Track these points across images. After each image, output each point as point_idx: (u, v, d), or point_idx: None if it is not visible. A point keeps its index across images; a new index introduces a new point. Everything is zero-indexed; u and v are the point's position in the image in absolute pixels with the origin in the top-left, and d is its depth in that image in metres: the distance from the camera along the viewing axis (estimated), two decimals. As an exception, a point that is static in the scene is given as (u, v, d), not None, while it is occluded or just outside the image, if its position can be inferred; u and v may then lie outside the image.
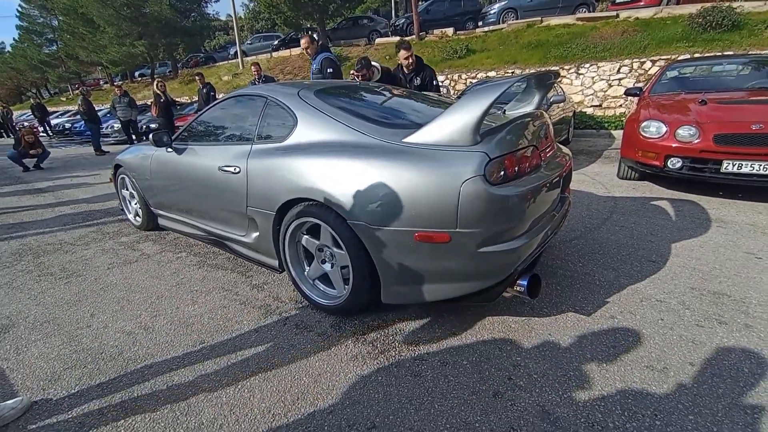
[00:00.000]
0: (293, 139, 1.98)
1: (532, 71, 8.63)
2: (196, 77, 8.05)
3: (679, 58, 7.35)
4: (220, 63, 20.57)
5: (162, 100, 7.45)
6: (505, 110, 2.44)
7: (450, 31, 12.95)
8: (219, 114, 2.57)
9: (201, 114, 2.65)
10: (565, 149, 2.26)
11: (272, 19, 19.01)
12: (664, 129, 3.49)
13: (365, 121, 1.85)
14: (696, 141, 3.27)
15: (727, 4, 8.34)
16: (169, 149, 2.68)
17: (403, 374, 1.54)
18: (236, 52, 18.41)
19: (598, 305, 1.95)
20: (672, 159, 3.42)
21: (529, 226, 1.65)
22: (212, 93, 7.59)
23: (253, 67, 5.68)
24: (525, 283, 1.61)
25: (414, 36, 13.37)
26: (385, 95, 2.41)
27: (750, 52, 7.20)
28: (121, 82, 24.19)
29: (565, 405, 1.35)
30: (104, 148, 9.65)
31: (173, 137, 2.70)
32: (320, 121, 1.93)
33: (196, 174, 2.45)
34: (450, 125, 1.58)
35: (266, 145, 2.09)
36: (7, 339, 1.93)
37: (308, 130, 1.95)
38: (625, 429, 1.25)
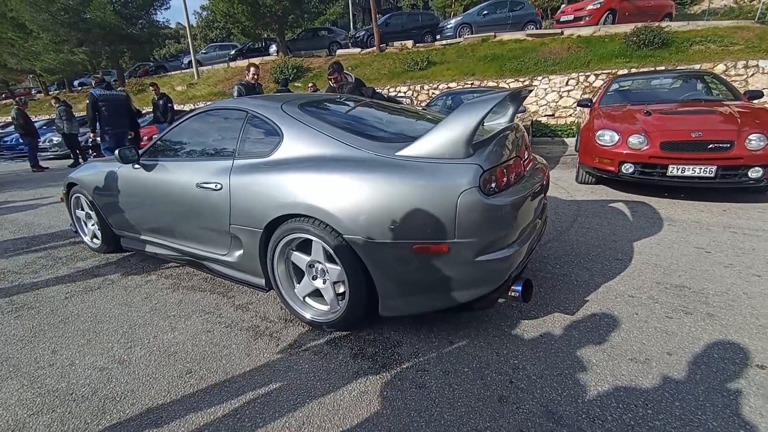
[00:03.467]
0: (280, 154, 1.94)
1: (513, 86, 9.10)
2: (150, 87, 7.60)
3: (619, 73, 8.09)
4: (173, 73, 19.60)
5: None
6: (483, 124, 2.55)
7: (409, 43, 13.32)
8: (194, 128, 2.45)
9: (172, 128, 2.52)
10: (540, 158, 2.39)
11: (228, 28, 18.50)
12: (617, 137, 3.81)
13: (356, 135, 1.85)
14: (645, 148, 3.60)
15: (656, 24, 9.33)
16: (137, 165, 2.50)
17: (407, 387, 1.54)
18: (190, 62, 17.66)
19: (579, 304, 2.07)
20: (625, 164, 3.73)
21: (518, 233, 1.73)
22: (169, 104, 7.21)
23: (252, 68, 4.70)
24: (520, 288, 1.68)
25: (375, 48, 13.59)
26: (368, 109, 2.43)
27: (678, 67, 8.08)
28: (57, 92, 22.26)
29: (566, 403, 1.42)
30: (42, 164, 8.80)
31: (141, 152, 2.53)
32: (308, 136, 1.91)
33: (170, 191, 2.31)
34: (443, 138, 1.62)
35: (250, 161, 2.02)
36: (-49, 387, 1.68)
37: (295, 144, 1.92)
38: (622, 420, 1.33)
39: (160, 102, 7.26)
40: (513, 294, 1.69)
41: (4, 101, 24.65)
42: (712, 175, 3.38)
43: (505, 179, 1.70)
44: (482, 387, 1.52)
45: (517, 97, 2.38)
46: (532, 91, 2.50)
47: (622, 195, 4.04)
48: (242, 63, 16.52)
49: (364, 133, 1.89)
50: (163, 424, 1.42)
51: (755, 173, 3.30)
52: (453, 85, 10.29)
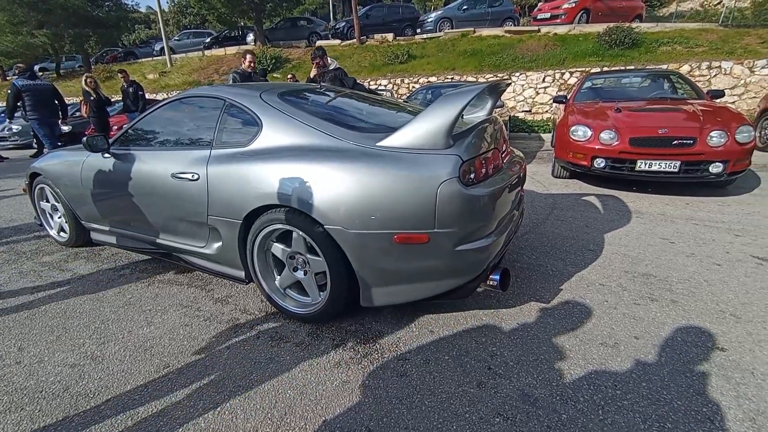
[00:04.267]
0: (259, 144, 1.90)
1: (491, 79, 9.18)
2: (119, 74, 7.24)
3: (592, 71, 8.34)
4: (144, 60, 18.71)
5: (93, 98, 6.50)
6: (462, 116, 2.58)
7: (390, 36, 13.25)
8: (168, 116, 2.36)
9: (144, 116, 2.42)
10: (518, 152, 2.45)
11: (202, 14, 17.81)
12: (589, 133, 3.95)
13: (336, 125, 1.84)
14: (615, 143, 3.75)
15: (627, 24, 9.66)
16: (107, 155, 2.40)
17: (388, 375, 1.56)
18: (162, 49, 16.92)
19: (554, 293, 2.15)
20: (597, 159, 3.88)
21: (497, 224, 1.77)
22: (140, 92, 6.90)
23: (248, 56, 4.53)
24: (497, 277, 1.72)
25: (355, 40, 13.44)
26: (348, 99, 2.41)
27: (647, 67, 8.41)
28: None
29: (541, 386, 1.48)
30: (1, 153, 8.27)
31: (111, 141, 2.42)
32: (288, 125, 1.88)
33: (143, 182, 2.23)
34: (424, 129, 1.64)
35: (228, 150, 1.97)
36: None
37: (275, 134, 1.88)
38: (593, 401, 1.40)
39: (130, 90, 6.92)
40: (491, 283, 1.74)
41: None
42: (677, 170, 3.57)
43: (483, 170, 1.73)
44: (462, 374, 1.56)
45: (495, 90, 2.43)
46: (510, 84, 2.54)
47: (594, 189, 4.19)
48: (218, 52, 16.00)
49: (345, 123, 1.88)
50: (140, 420, 1.38)
51: (716, 168, 3.50)
52: (433, 79, 10.33)
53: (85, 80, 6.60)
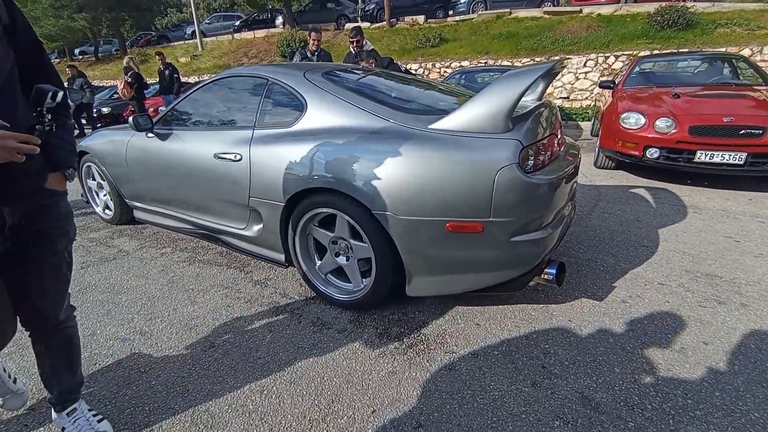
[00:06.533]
0: (303, 125, 1.84)
1: (528, 63, 8.78)
2: (156, 57, 7.37)
3: (641, 54, 7.78)
4: (176, 43, 19.07)
5: (135, 73, 6.60)
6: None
7: (421, 18, 12.84)
8: (209, 96, 2.34)
9: (186, 96, 2.41)
10: (572, 141, 2.29)
11: (232, -3, 17.91)
12: (643, 120, 3.66)
13: (385, 105, 1.75)
14: (673, 132, 3.47)
15: (681, 3, 8.92)
16: (150, 134, 2.41)
17: (436, 368, 1.50)
18: (194, 32, 17.17)
19: (607, 290, 2.01)
20: (650, 149, 3.60)
21: (554, 215, 1.65)
22: (176, 75, 7.01)
23: (313, 33, 4.37)
24: (554, 271, 1.62)
25: (385, 22, 13.13)
26: (391, 80, 2.31)
27: (703, 49, 7.76)
28: (58, 60, 21.79)
29: (602, 390, 1.38)
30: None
31: (155, 121, 2.43)
32: (333, 105, 1.81)
33: (186, 161, 2.23)
34: (481, 111, 1.52)
35: (271, 131, 1.93)
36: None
37: (320, 114, 1.82)
38: (662, 410, 1.29)
39: (166, 72, 7.05)
40: (546, 277, 1.63)
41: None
42: (742, 162, 3.26)
43: (542, 157, 1.61)
44: (513, 371, 1.48)
45: (550, 73, 2.26)
46: (566, 66, 2.36)
47: (643, 181, 3.92)
48: (248, 35, 16.07)
49: (394, 104, 1.79)
50: (189, 396, 1.39)
51: (787, 161, 3.18)
52: (465, 63, 9.97)
53: (129, 60, 6.66)
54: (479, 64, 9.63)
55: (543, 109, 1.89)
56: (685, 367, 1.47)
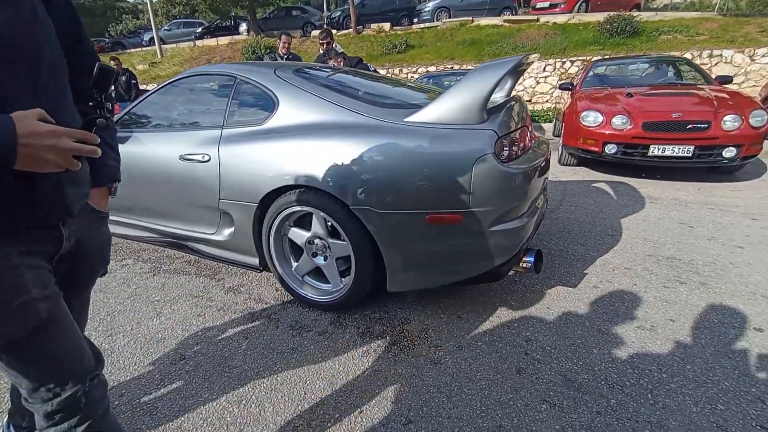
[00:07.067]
0: (275, 122, 1.78)
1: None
2: (111, 62, 6.97)
3: (595, 59, 8.26)
4: (133, 50, 18.19)
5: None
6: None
7: (387, 26, 13.02)
8: (172, 96, 2.22)
9: (146, 96, 2.28)
10: (542, 137, 2.36)
11: (192, 4, 17.32)
12: (600, 118, 3.87)
13: (358, 100, 1.73)
14: (628, 128, 3.68)
15: (627, 13, 9.59)
16: (107, 138, 2.25)
17: (422, 363, 1.48)
18: (151, 39, 16.46)
19: (579, 277, 2.08)
20: (609, 145, 3.81)
21: (529, 205, 1.69)
22: (134, 81, 6.65)
23: (283, 36, 4.22)
24: (532, 259, 1.65)
25: (351, 30, 13.20)
26: (362, 77, 2.29)
27: (650, 54, 8.36)
28: None
29: (584, 371, 1.41)
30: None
31: (111, 123, 2.27)
32: (306, 102, 1.76)
33: (148, 165, 2.10)
34: (456, 103, 1.54)
35: (241, 129, 1.85)
36: None
37: (293, 110, 1.77)
38: (640, 385, 1.34)
39: (123, 78, 6.67)
40: (525, 265, 1.66)
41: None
42: (690, 155, 3.52)
43: (515, 148, 1.65)
44: (498, 360, 1.48)
45: (520, 66, 2.33)
46: (533, 62, 2.46)
47: (603, 176, 4.13)
48: (211, 42, 15.59)
49: (367, 99, 1.78)
50: (158, 414, 1.28)
51: (729, 153, 3.46)
52: (432, 68, 10.17)
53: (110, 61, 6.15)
54: (445, 69, 9.86)
55: (514, 102, 1.93)
56: (657, 344, 1.54)
